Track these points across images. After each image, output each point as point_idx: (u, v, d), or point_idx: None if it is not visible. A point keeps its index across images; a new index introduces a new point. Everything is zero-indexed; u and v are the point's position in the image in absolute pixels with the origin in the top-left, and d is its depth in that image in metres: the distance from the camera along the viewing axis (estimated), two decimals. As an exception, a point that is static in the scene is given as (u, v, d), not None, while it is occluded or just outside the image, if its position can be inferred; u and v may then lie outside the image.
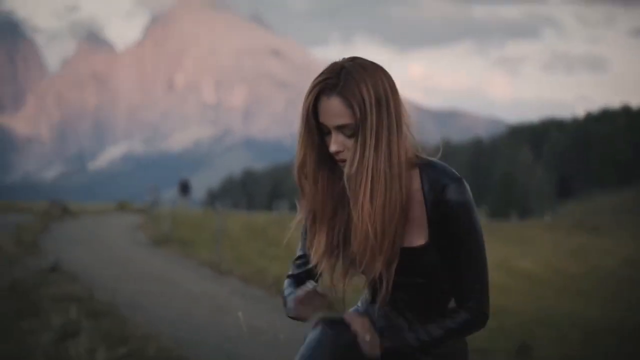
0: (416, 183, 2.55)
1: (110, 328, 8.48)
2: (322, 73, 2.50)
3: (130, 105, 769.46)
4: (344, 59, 2.54)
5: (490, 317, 2.60)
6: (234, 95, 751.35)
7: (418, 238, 2.56)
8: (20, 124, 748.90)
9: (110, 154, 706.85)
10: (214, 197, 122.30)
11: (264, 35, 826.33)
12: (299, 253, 2.79)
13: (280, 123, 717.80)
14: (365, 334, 2.49)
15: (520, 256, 28.84)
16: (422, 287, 2.61)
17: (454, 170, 2.55)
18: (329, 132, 2.53)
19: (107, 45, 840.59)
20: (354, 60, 2.52)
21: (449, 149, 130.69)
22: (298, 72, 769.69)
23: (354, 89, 2.45)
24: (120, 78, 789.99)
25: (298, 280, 2.76)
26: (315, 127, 2.55)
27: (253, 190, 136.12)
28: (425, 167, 2.56)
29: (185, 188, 36.25)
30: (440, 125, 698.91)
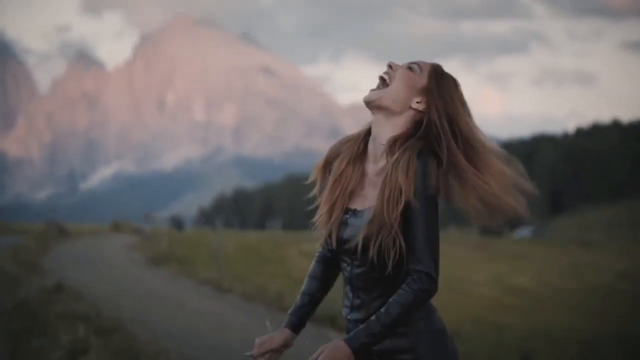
0: None
1: (119, 345, 8.61)
2: None
3: (121, 125, 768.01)
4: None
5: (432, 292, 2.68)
6: (225, 114, 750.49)
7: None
8: (11, 145, 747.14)
9: (102, 174, 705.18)
10: (207, 216, 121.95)
11: (254, 53, 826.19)
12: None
13: (270, 141, 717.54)
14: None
15: (514, 272, 28.97)
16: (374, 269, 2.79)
17: None
18: None
19: (97, 65, 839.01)
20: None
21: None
22: (288, 90, 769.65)
23: None
24: (110, 98, 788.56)
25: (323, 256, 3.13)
26: None
27: (245, 209, 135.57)
28: None
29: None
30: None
